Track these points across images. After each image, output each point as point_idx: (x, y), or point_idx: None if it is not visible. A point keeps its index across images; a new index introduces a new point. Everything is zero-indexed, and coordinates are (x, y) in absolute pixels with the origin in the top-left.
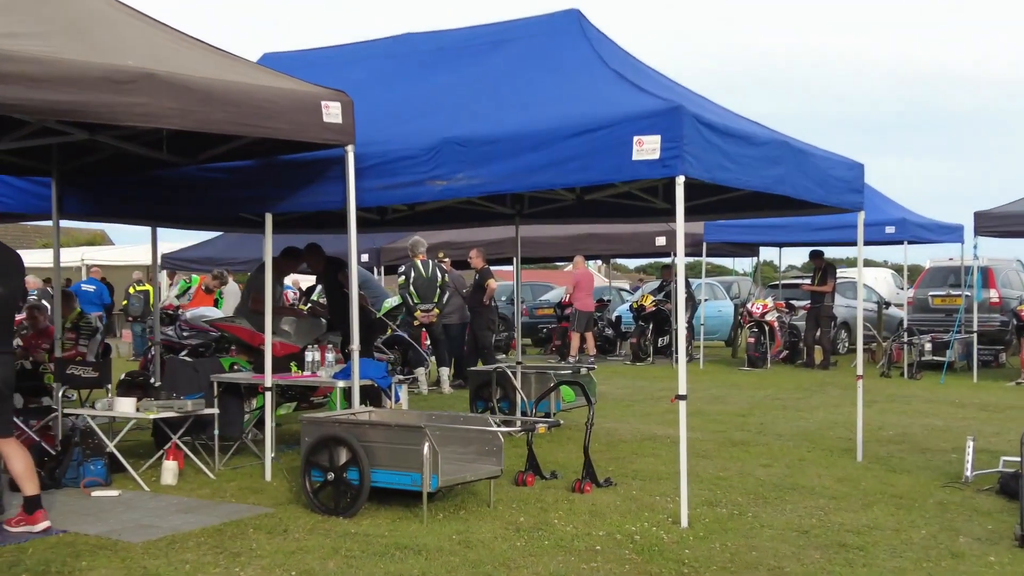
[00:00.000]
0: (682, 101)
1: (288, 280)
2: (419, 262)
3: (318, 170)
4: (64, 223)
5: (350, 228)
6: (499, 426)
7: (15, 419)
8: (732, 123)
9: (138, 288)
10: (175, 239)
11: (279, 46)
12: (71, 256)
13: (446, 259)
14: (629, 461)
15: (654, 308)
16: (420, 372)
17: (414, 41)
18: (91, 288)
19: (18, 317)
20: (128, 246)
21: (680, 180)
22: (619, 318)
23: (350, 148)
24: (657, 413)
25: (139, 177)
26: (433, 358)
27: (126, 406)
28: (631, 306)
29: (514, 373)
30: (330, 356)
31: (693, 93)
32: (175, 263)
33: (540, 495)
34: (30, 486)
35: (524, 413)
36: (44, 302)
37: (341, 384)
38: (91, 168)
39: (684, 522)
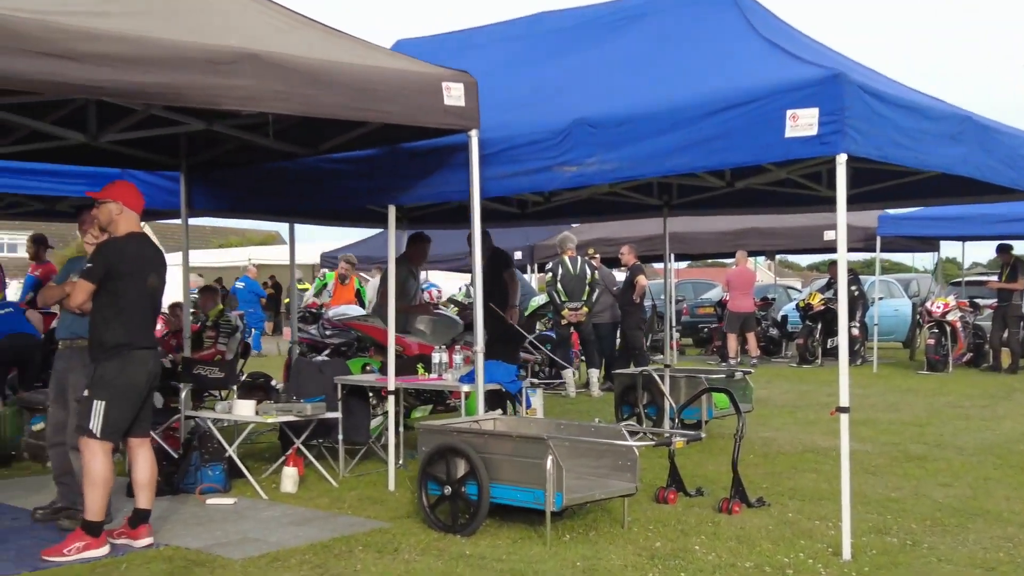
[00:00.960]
0: (844, 70)
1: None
2: (567, 259)
3: (441, 158)
4: (241, 223)
5: (473, 220)
6: (636, 436)
7: None
8: (904, 94)
9: (298, 287)
10: (339, 238)
11: (421, 32)
12: (239, 256)
13: (596, 255)
14: (786, 477)
15: (823, 307)
16: (567, 374)
17: (548, 20)
18: (242, 285)
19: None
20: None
21: (842, 159)
22: (785, 317)
23: (474, 133)
24: (822, 421)
25: (263, 170)
26: (582, 359)
27: (245, 409)
28: (797, 305)
29: (662, 376)
30: (458, 358)
31: (858, 64)
32: (335, 262)
33: (682, 515)
34: (145, 498)
35: (673, 419)
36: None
37: (466, 388)
38: (217, 161)
39: (846, 553)
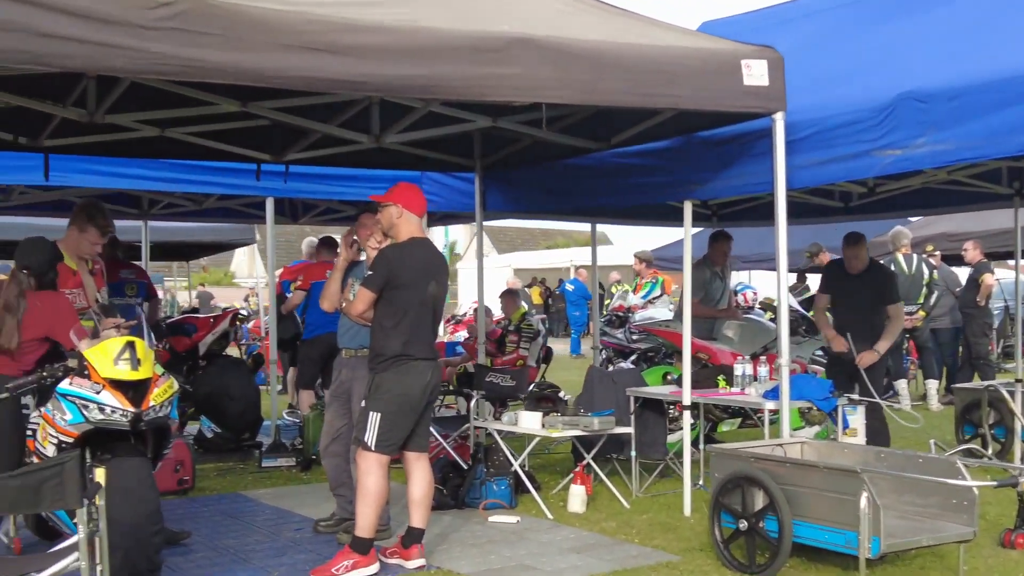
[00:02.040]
0: None
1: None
2: (901, 256)
3: (741, 146)
4: (565, 225)
5: (778, 215)
6: (977, 468)
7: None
8: None
9: (617, 288)
10: (662, 237)
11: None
12: (561, 257)
13: (936, 252)
14: None
15: None
16: (901, 385)
17: None
18: (571, 288)
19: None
20: (613, 247)
21: None
22: None
23: (779, 116)
24: None
25: (555, 168)
26: (919, 368)
27: (531, 421)
28: None
29: (1013, 393)
30: (763, 370)
31: None
32: (660, 263)
33: None
34: (419, 517)
35: None
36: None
37: (769, 406)
38: (511, 160)
39: None
